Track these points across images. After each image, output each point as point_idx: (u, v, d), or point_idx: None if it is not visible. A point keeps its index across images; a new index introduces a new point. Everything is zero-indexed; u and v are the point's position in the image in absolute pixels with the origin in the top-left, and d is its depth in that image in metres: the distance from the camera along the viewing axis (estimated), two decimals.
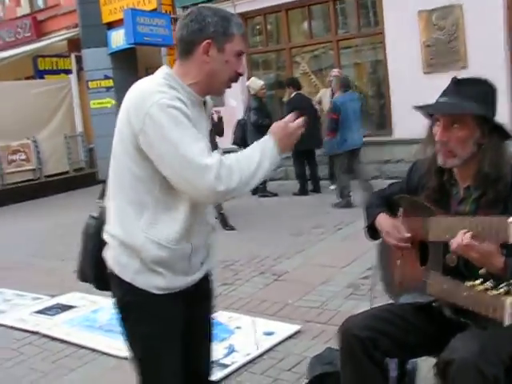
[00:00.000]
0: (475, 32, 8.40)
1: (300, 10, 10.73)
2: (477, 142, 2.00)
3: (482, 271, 1.85)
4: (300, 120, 1.94)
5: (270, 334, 3.74)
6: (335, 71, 9.10)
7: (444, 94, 2.09)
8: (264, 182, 9.03)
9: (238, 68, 1.92)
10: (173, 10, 11.71)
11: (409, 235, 2.16)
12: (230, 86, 1.97)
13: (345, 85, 8.28)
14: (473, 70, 8.16)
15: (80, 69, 13.59)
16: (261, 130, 8.84)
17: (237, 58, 1.90)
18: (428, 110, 2.12)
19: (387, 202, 2.40)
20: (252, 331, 3.80)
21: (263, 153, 1.84)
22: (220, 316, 4.12)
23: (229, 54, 1.87)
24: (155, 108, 1.74)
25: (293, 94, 9.26)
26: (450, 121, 2.01)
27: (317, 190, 9.37)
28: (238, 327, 3.90)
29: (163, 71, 1.90)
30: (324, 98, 9.60)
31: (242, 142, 9.35)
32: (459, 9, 8.53)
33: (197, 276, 2.02)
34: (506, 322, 1.61)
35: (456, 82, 2.08)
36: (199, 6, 1.93)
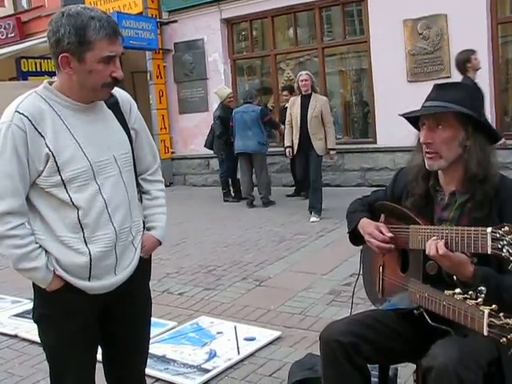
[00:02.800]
0: (459, 42, 8.48)
1: (286, 16, 10.79)
2: (462, 143, 2.04)
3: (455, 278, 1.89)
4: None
5: (251, 339, 3.73)
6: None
7: (427, 99, 2.13)
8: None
9: (113, 72, 1.87)
10: (159, 13, 11.71)
11: (391, 235, 2.17)
12: (109, 91, 1.95)
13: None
14: (456, 79, 8.25)
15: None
16: (222, 141, 9.28)
17: (105, 63, 1.84)
18: (412, 114, 2.15)
19: (370, 209, 2.41)
20: (233, 336, 3.79)
21: None
22: (202, 321, 4.13)
23: (91, 63, 1.82)
24: None
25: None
26: (435, 122, 2.05)
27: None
28: (219, 332, 3.89)
29: (43, 84, 1.93)
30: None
31: (210, 146, 9.67)
32: (444, 18, 8.65)
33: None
34: (485, 333, 1.62)
35: (438, 87, 2.13)
36: (61, 11, 1.84)
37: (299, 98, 7.59)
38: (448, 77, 8.53)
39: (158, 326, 3.97)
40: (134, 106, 2.16)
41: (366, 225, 2.30)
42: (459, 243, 1.82)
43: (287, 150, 7.72)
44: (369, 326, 2.15)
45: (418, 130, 2.18)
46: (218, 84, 11.06)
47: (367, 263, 2.48)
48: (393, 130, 9.12)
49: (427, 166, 2.11)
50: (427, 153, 2.08)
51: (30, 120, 1.82)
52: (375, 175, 9.62)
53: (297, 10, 10.48)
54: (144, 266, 2.14)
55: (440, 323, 1.97)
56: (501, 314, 1.61)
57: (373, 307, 2.38)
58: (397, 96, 8.97)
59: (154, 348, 3.61)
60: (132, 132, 2.10)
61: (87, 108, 1.94)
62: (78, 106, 1.91)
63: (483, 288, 1.71)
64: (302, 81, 7.49)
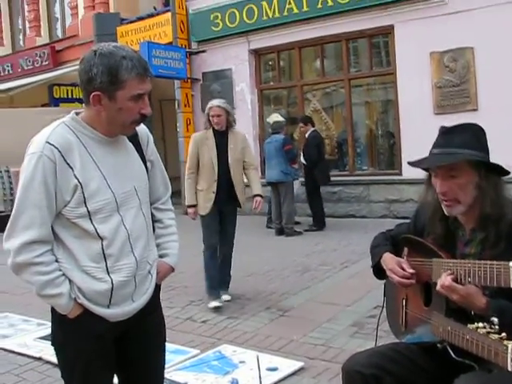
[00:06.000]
0: (486, 75, 8.52)
1: (313, 48, 10.94)
2: (477, 185, 2.04)
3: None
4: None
5: (273, 369, 3.72)
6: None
7: (435, 145, 2.12)
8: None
9: (141, 109, 1.93)
10: (188, 44, 11.95)
11: (413, 271, 2.18)
12: (135, 127, 2.01)
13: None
14: (483, 112, 8.27)
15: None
16: None
17: (135, 101, 1.90)
18: (423, 165, 2.15)
19: (393, 242, 2.42)
20: (256, 366, 3.79)
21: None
22: (224, 349, 4.14)
23: (122, 101, 1.88)
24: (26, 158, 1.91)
25: (311, 131, 9.39)
26: (447, 171, 2.04)
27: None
28: (242, 361, 3.88)
29: (69, 115, 1.98)
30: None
31: None
32: (471, 51, 8.68)
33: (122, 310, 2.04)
34: (509, 368, 1.61)
35: (444, 132, 2.12)
36: (93, 49, 1.90)
37: (211, 133, 5.37)
38: (475, 109, 8.55)
39: (181, 354, 3.99)
40: (151, 138, 2.24)
41: (388, 260, 2.31)
42: (482, 277, 1.82)
43: (190, 210, 5.37)
44: (391, 359, 2.15)
45: (426, 170, 2.19)
46: (245, 113, 11.24)
47: (390, 296, 2.48)
48: None
49: (446, 213, 2.11)
50: (444, 200, 2.08)
51: (59, 151, 1.88)
52: (400, 207, 9.57)
53: (324, 42, 10.62)
54: (157, 292, 2.20)
55: (464, 358, 1.96)
56: None
57: (396, 340, 2.37)
58: (423, 128, 8.96)
59: (176, 375, 3.63)
60: (148, 163, 2.18)
61: (111, 141, 2.00)
62: (103, 139, 1.97)
63: (495, 319, 1.71)
64: (212, 116, 5.29)
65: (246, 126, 11.37)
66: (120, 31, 12.61)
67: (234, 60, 11.38)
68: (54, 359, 4.01)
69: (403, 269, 2.21)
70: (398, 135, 9.87)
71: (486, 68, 8.52)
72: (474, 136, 2.08)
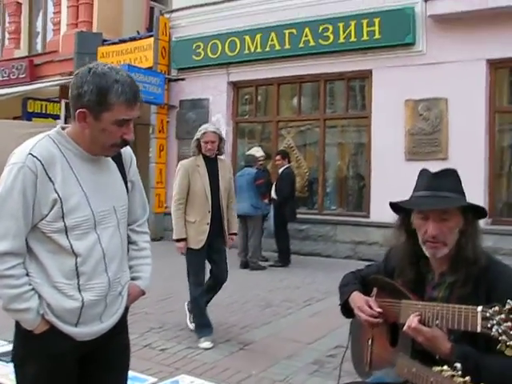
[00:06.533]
0: (458, 125, 8.75)
1: (291, 85, 11.10)
2: (461, 229, 2.08)
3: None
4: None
5: None
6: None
7: (424, 188, 2.14)
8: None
9: (124, 134, 1.93)
10: (168, 70, 12.00)
11: (380, 310, 2.20)
12: (117, 150, 2.01)
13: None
14: (452, 162, 8.46)
15: (68, 116, 13.70)
16: None
17: (119, 125, 1.90)
18: (419, 207, 2.14)
19: (363, 282, 2.44)
20: None
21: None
22: (182, 379, 4.06)
23: (106, 122, 1.88)
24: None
25: (285, 166, 9.45)
26: (440, 214, 2.07)
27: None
28: None
29: (55, 129, 1.99)
30: None
31: None
32: (444, 102, 8.93)
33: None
34: None
35: (434, 175, 2.15)
36: (89, 66, 1.91)
37: (201, 160, 5.04)
38: (445, 158, 8.73)
39: (138, 381, 3.89)
40: (134, 159, 2.24)
41: (356, 298, 2.32)
42: (449, 320, 1.85)
43: (180, 244, 5.03)
44: None
45: (396, 211, 2.23)
46: None
47: (356, 335, 2.48)
48: (387, 205, 9.19)
49: (429, 255, 2.12)
50: (432, 243, 2.09)
51: (42, 164, 1.86)
52: (366, 249, 9.64)
53: (303, 80, 10.79)
54: (125, 315, 2.17)
55: None
56: None
57: (359, 379, 2.37)
58: (393, 173, 9.15)
59: None
60: (129, 184, 2.17)
61: (95, 159, 1.99)
62: (86, 156, 1.96)
63: (458, 365, 1.73)
64: (206, 142, 4.96)
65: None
66: (101, 51, 12.60)
67: (212, 90, 11.47)
68: (6, 381, 3.94)
69: (371, 307, 2.22)
70: (368, 178, 10.00)
71: (458, 119, 8.76)
72: (457, 181, 2.14)
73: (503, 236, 8.12)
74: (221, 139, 5.09)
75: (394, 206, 2.24)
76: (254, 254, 9.03)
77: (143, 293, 2.26)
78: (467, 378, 1.72)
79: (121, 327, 2.12)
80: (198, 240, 4.97)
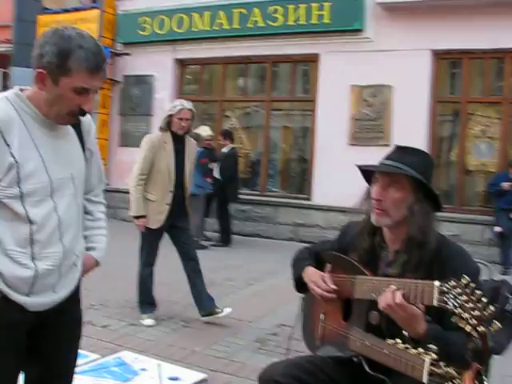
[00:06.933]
0: (401, 113, 8.95)
1: (238, 66, 11.05)
2: (410, 206, 2.11)
3: (405, 333, 1.92)
4: None
5: (175, 379, 3.64)
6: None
7: (387, 158, 2.21)
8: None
9: (82, 104, 1.84)
10: (112, 44, 11.69)
11: (335, 287, 2.22)
12: (73, 119, 1.91)
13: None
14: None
15: (5, 86, 13.21)
16: None
17: (77, 93, 1.81)
18: (370, 168, 2.23)
19: (316, 258, 2.46)
20: (157, 375, 3.69)
21: None
22: (125, 356, 4.01)
23: (64, 88, 1.79)
24: None
25: (230, 147, 9.40)
26: (388, 182, 2.12)
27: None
28: (142, 369, 3.77)
29: (12, 90, 1.89)
30: None
31: None
32: (389, 89, 9.10)
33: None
34: (425, 381, 1.67)
35: (398, 149, 2.22)
36: (57, 27, 1.82)
37: (169, 137, 4.86)
38: (387, 145, 8.88)
39: (80, 357, 3.80)
40: (94, 128, 2.16)
41: (310, 273, 2.34)
42: (407, 294, 1.87)
43: (139, 221, 4.84)
44: (307, 371, 2.16)
45: (369, 184, 2.27)
46: None
47: (308, 311, 2.51)
48: (328, 189, 9.39)
49: (373, 221, 2.18)
50: (376, 208, 2.15)
51: None
52: (306, 231, 9.77)
53: (250, 61, 10.75)
54: (79, 286, 2.11)
55: (377, 372, 2.01)
56: (441, 363, 1.67)
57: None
58: (336, 157, 9.28)
59: (74, 380, 3.46)
60: (87, 152, 2.10)
61: (54, 124, 1.90)
62: (45, 120, 1.87)
63: (434, 346, 1.76)
64: (181, 119, 4.77)
65: None
66: (42, 20, 12.11)
67: (157, 67, 11.26)
68: None
69: (326, 283, 2.24)
70: (311, 161, 10.10)
71: (402, 107, 8.96)
72: (424, 162, 2.17)
73: (441, 223, 8.37)
74: (193, 118, 4.92)
75: (364, 173, 2.28)
76: (196, 233, 8.98)
77: (98, 264, 2.20)
78: (421, 350, 1.76)
79: (73, 300, 2.06)
80: (156, 219, 4.81)
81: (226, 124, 11.21)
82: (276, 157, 10.99)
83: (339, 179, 9.15)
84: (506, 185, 8.08)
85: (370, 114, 9.24)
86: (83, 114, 1.88)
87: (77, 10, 12.15)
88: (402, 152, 2.19)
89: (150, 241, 4.92)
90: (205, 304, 4.97)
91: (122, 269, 6.90)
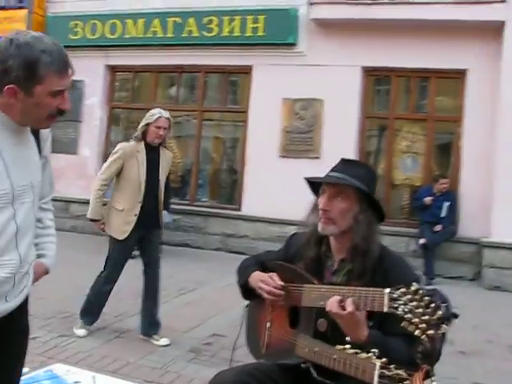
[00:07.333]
0: (331, 127, 9.18)
1: (171, 74, 10.98)
2: (355, 216, 2.21)
3: (348, 339, 1.99)
4: None
5: None
6: None
7: (333, 169, 2.29)
8: None
9: (59, 105, 1.81)
10: None
11: (282, 283, 2.27)
12: (52, 121, 1.87)
13: None
14: (324, 161, 8.85)
15: None
16: None
17: (53, 97, 1.77)
18: (317, 180, 2.30)
19: (262, 267, 2.48)
20: None
21: None
22: (56, 368, 3.88)
23: (40, 96, 1.75)
24: None
25: None
26: (335, 193, 2.21)
27: None
28: (76, 382, 3.66)
29: None
30: None
31: None
32: (320, 103, 9.30)
33: None
34: (375, 383, 1.74)
35: (344, 162, 2.32)
36: (9, 37, 1.74)
37: (143, 147, 4.73)
38: (317, 157, 9.10)
39: None
40: (50, 135, 2.12)
41: (257, 275, 2.38)
42: (355, 302, 1.93)
43: (96, 225, 4.93)
44: (256, 378, 2.19)
45: (316, 194, 2.34)
46: (92, 129, 10.99)
47: (253, 318, 2.53)
48: (258, 200, 9.49)
49: (320, 229, 2.25)
50: (323, 218, 2.23)
51: None
52: (235, 242, 9.80)
53: (182, 70, 10.71)
54: (27, 297, 2.05)
55: (324, 377, 2.06)
56: (391, 366, 1.74)
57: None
58: (267, 168, 9.40)
59: None
60: (42, 160, 2.05)
61: (19, 130, 1.85)
62: (11, 125, 1.81)
63: (376, 350, 1.83)
64: (158, 127, 4.67)
65: (90, 141, 11.05)
66: None
67: (88, 72, 10.99)
68: None
69: (274, 280, 2.29)
70: (241, 172, 10.15)
71: (332, 121, 9.18)
72: (368, 174, 2.28)
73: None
74: (169, 127, 4.79)
75: (311, 185, 2.35)
76: None
77: (48, 271, 2.17)
78: (371, 354, 1.82)
79: (22, 310, 2.00)
80: (122, 230, 4.66)
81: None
82: (207, 167, 10.98)
83: (269, 190, 9.28)
84: (427, 200, 8.46)
85: (301, 127, 9.40)
86: (62, 113, 1.84)
87: (3, 8, 11.71)
88: (348, 164, 2.30)
89: (116, 255, 4.79)
90: (149, 328, 4.82)
91: (49, 279, 6.68)
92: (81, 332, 4.72)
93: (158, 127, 4.66)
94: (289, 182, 8.87)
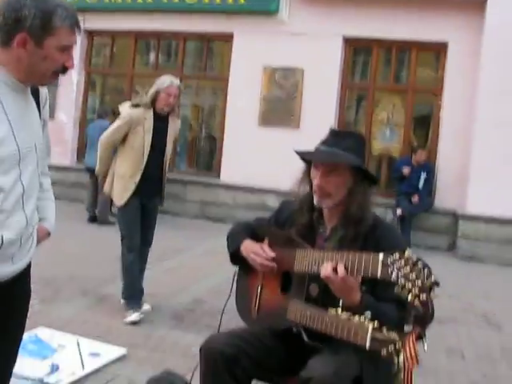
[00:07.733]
0: (311, 97, 9.17)
1: (150, 40, 10.82)
2: (350, 187, 2.24)
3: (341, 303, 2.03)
4: None
5: (95, 355, 3.60)
6: None
7: (323, 143, 2.29)
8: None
9: (65, 61, 1.82)
10: None
11: (274, 255, 2.30)
12: (56, 78, 1.89)
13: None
14: (303, 131, 8.88)
15: None
16: None
17: (61, 52, 1.79)
18: (311, 158, 2.31)
19: (252, 233, 2.50)
20: (77, 351, 3.63)
21: None
22: (41, 332, 3.89)
23: (49, 48, 1.77)
24: None
25: None
26: (329, 168, 2.22)
27: None
28: (61, 345, 3.69)
29: None
30: None
31: None
32: (301, 72, 9.27)
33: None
34: (367, 346, 1.78)
35: (334, 134, 2.31)
36: None
37: (150, 115, 4.58)
38: (296, 127, 9.11)
39: None
40: (48, 98, 2.10)
41: (249, 245, 2.40)
42: (349, 267, 1.97)
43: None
44: (248, 341, 2.23)
45: (305, 162, 2.35)
46: (69, 94, 10.77)
47: (243, 284, 2.55)
48: (237, 168, 9.49)
49: (315, 203, 2.28)
50: (317, 192, 2.24)
51: None
52: (214, 210, 9.82)
53: (162, 37, 10.56)
54: (31, 261, 2.05)
55: (314, 341, 2.11)
56: (383, 328, 1.79)
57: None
58: (246, 137, 9.38)
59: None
60: (42, 122, 2.03)
61: (24, 90, 1.84)
62: (16, 85, 1.80)
63: (368, 313, 1.88)
64: (169, 95, 4.53)
65: (68, 107, 10.87)
66: None
67: None
68: None
69: (265, 251, 2.31)
70: (220, 140, 10.13)
71: (312, 91, 9.17)
72: (357, 143, 2.29)
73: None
74: (179, 96, 4.68)
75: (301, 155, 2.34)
76: (103, 208, 8.80)
77: (49, 235, 2.18)
78: (362, 318, 1.87)
79: (25, 273, 1.99)
80: (121, 196, 4.55)
81: (134, 99, 10.92)
82: (185, 134, 10.91)
83: (248, 159, 9.29)
84: (406, 170, 8.56)
85: (281, 96, 9.37)
86: (65, 71, 1.84)
87: None
88: (338, 137, 2.29)
89: (125, 220, 4.62)
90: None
91: (39, 246, 6.66)
92: (133, 317, 4.45)
93: (169, 94, 4.54)
94: (268, 151, 8.89)
